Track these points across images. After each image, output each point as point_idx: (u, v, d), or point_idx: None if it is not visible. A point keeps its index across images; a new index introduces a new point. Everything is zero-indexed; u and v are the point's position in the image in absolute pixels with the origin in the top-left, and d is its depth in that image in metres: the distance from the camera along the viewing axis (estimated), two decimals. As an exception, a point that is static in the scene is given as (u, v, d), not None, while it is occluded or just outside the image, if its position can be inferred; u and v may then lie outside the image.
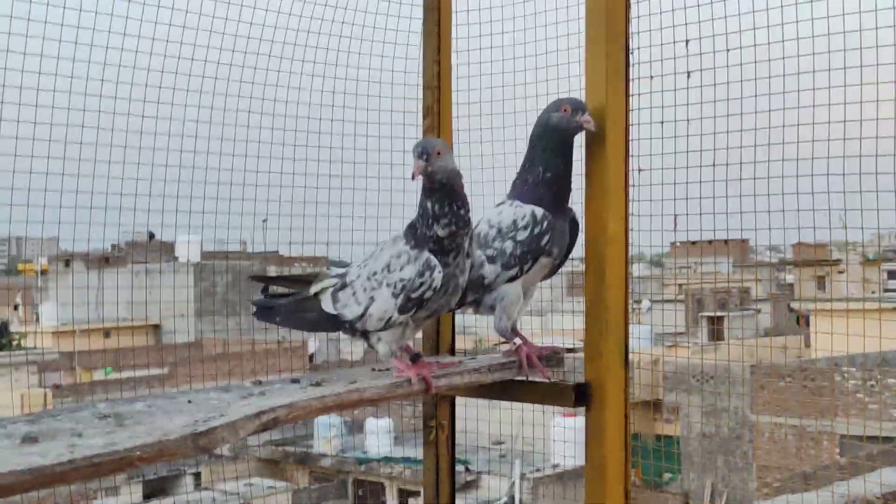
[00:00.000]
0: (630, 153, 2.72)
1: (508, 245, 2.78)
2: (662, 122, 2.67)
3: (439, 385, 2.59)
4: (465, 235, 2.50)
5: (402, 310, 2.50)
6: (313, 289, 2.66)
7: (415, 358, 2.61)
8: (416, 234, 2.48)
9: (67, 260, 31.42)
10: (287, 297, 2.72)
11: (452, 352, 3.18)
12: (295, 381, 2.60)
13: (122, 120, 3.40)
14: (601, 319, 2.70)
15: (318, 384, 2.52)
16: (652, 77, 2.68)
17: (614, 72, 2.70)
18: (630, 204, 2.73)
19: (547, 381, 2.85)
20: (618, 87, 2.70)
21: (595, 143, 2.73)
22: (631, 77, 2.70)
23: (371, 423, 24.16)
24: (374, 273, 2.55)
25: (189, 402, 2.37)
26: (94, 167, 3.31)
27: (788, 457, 18.59)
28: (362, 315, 2.55)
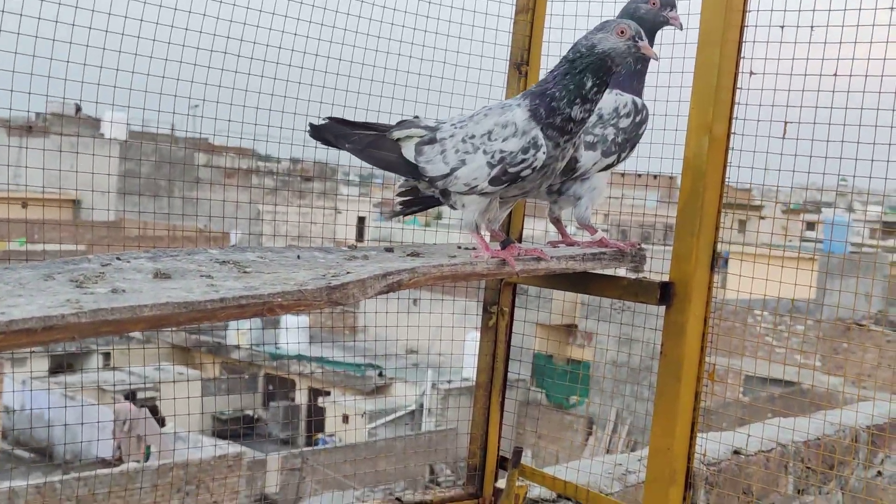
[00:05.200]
0: (742, 55, 2.67)
1: (610, 132, 2.74)
2: (783, 27, 2.61)
3: (520, 269, 2.53)
4: (585, 125, 2.44)
5: (493, 181, 2.42)
6: (397, 134, 2.56)
7: (505, 243, 2.54)
8: (546, 105, 2.36)
9: (-12, 124, 30.30)
10: (364, 130, 2.60)
11: (520, 239, 3.13)
12: (389, 249, 2.54)
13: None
14: (695, 220, 2.68)
15: (414, 255, 2.46)
16: (776, -19, 2.63)
17: (735, -30, 2.64)
18: (736, 107, 2.69)
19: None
20: (737, -14, 2.64)
21: (707, 41, 2.68)
22: (753, -22, 2.63)
23: (287, 320, 24.02)
24: (472, 136, 2.46)
25: (298, 257, 2.30)
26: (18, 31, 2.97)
27: (694, 391, 19.07)
28: (446, 175, 2.48)
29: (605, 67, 2.34)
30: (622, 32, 2.32)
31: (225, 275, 2.01)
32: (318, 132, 2.62)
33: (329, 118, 2.64)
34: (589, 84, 2.34)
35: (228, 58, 3.20)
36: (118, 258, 2.05)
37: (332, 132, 2.59)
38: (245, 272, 2.06)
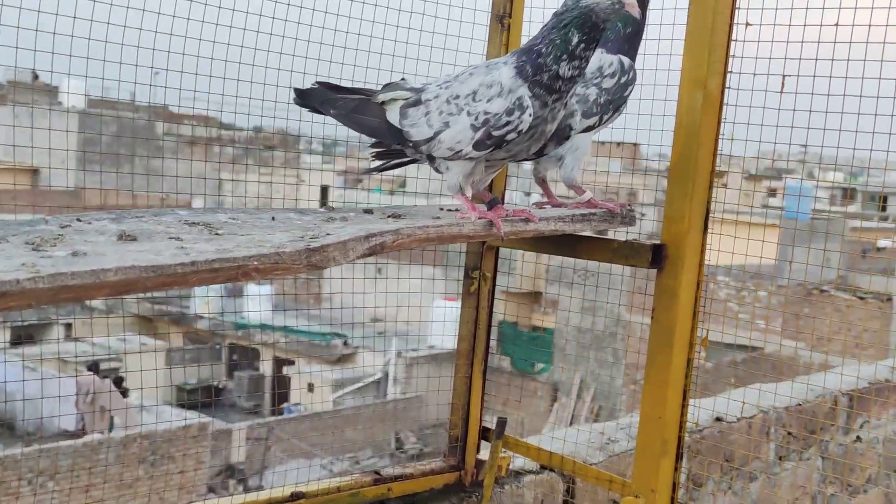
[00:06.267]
0: (738, 5, 2.54)
1: (592, 92, 2.62)
2: (781, -25, 2.49)
3: (506, 231, 2.39)
4: (576, 84, 2.30)
5: (478, 145, 2.29)
6: (381, 97, 2.43)
7: (491, 203, 2.41)
8: (532, 61, 2.23)
9: (-58, 91, 29.59)
10: (350, 95, 2.46)
11: (502, 201, 3.00)
12: (368, 211, 2.40)
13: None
14: (688, 179, 2.56)
15: (395, 216, 2.32)
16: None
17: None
18: (731, 60, 2.56)
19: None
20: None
21: (701, -11, 2.54)
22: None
23: (251, 290, 23.81)
24: (457, 97, 2.32)
25: (272, 219, 2.15)
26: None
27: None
28: (430, 139, 2.34)
29: (590, 23, 2.19)
30: None
31: (195, 237, 1.86)
32: (303, 98, 2.48)
33: (318, 83, 2.50)
34: (575, 40, 2.20)
35: (190, 24, 3.02)
36: (78, 219, 1.89)
37: (317, 98, 2.45)
38: (217, 234, 1.91)
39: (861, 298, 19.59)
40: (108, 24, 2.83)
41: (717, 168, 2.67)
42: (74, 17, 2.82)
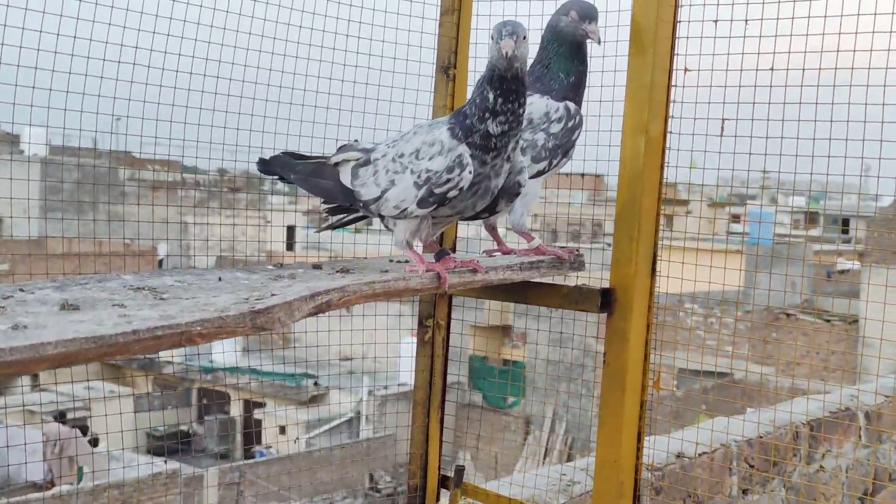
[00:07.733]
0: (676, 51, 2.59)
1: (540, 137, 2.66)
2: (716, 21, 2.54)
3: (454, 283, 2.41)
4: (515, 137, 2.32)
5: (421, 203, 2.32)
6: (335, 158, 2.50)
7: (440, 255, 2.43)
8: (462, 123, 2.26)
9: None
10: (309, 160, 2.55)
11: (454, 250, 3.02)
12: (317, 266, 2.41)
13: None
14: (633, 224, 2.59)
15: (344, 271, 2.33)
16: (707, -27, 2.55)
17: (665, -37, 2.55)
18: (672, 105, 2.61)
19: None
20: (668, -21, 2.55)
21: (639, 38, 2.59)
22: (684, -30, 2.55)
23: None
24: (402, 155, 2.37)
25: (220, 279, 2.16)
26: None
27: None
28: (378, 198, 2.39)
29: (497, 76, 2.20)
30: (492, 37, 2.21)
31: (139, 303, 1.86)
32: (266, 165, 2.57)
33: (283, 152, 2.59)
34: (491, 96, 2.22)
35: (146, 68, 3.05)
36: (21, 290, 1.89)
37: (279, 164, 2.54)
38: (161, 299, 1.91)
39: (827, 321, 19.76)
40: (54, 63, 2.84)
41: (666, 198, 2.71)
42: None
